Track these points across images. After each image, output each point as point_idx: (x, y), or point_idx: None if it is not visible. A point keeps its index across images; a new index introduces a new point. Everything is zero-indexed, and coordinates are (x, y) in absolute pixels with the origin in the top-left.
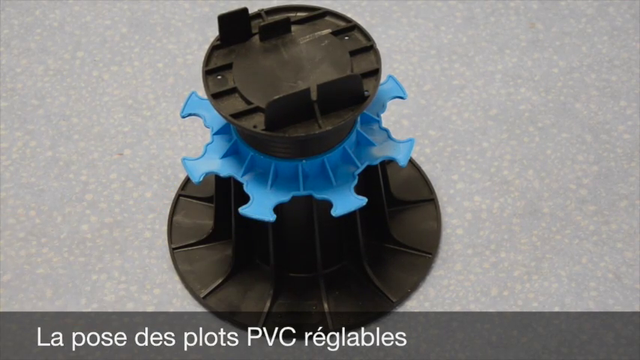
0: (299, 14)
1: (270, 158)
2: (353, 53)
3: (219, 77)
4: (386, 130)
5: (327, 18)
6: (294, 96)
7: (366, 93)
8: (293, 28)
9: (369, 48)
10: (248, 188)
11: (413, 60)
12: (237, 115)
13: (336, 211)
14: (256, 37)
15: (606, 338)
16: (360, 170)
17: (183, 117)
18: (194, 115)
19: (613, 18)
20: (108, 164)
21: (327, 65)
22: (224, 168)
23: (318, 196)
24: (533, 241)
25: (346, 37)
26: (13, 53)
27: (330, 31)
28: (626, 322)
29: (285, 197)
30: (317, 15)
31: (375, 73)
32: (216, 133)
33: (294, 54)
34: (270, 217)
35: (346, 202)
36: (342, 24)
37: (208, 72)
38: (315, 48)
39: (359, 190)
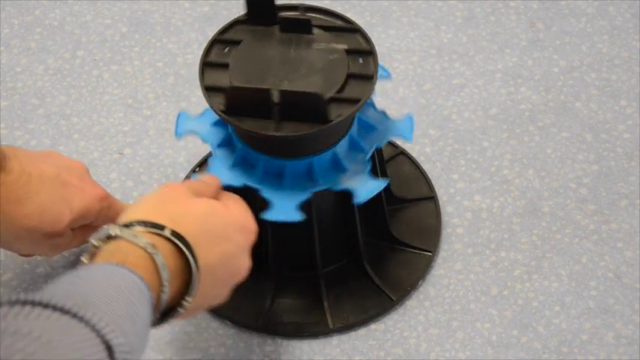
0: (335, 21)
1: (283, 160)
2: (352, 76)
3: (225, 50)
4: (382, 112)
5: (356, 35)
6: (254, 91)
7: (338, 118)
8: (316, 31)
9: (369, 77)
10: (265, 193)
11: (413, 59)
12: (213, 89)
13: (358, 199)
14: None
15: (606, 338)
16: (369, 154)
17: (179, 137)
18: (189, 133)
19: (613, 17)
20: (108, 163)
21: (319, 77)
22: (235, 178)
23: (337, 188)
24: (534, 241)
25: (360, 60)
26: (13, 52)
27: (345, 47)
28: (626, 322)
29: (304, 195)
30: (347, 28)
31: (356, 102)
32: (218, 146)
33: (300, 55)
34: (297, 216)
35: (367, 188)
36: (364, 46)
37: (219, 40)
38: (322, 58)
39: None
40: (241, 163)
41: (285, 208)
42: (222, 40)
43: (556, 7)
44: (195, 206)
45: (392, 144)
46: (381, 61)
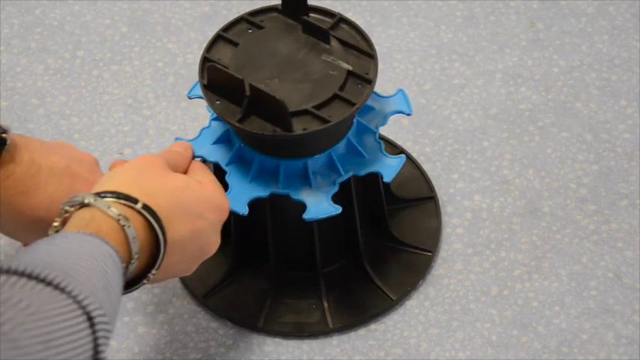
0: (359, 42)
1: (253, 152)
2: (338, 97)
3: (249, 30)
4: (379, 143)
5: (370, 61)
6: (229, 77)
7: (301, 131)
8: (334, 43)
9: (353, 103)
10: (229, 178)
11: (413, 59)
12: (210, 61)
13: (307, 215)
14: None
15: (606, 338)
16: (342, 179)
17: (190, 97)
18: (199, 97)
19: (613, 17)
20: (108, 163)
21: (308, 86)
22: (212, 153)
23: (294, 197)
24: (534, 241)
25: (359, 85)
26: (13, 52)
27: (350, 69)
28: (626, 322)
29: (263, 193)
30: (365, 52)
31: (326, 122)
32: (215, 119)
33: (305, 60)
34: (244, 210)
35: (319, 208)
36: (368, 75)
37: (247, 20)
38: (323, 70)
39: (358, 189)
40: (224, 141)
41: (237, 199)
42: (250, 21)
43: (556, 7)
44: (170, 181)
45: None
46: (406, 92)
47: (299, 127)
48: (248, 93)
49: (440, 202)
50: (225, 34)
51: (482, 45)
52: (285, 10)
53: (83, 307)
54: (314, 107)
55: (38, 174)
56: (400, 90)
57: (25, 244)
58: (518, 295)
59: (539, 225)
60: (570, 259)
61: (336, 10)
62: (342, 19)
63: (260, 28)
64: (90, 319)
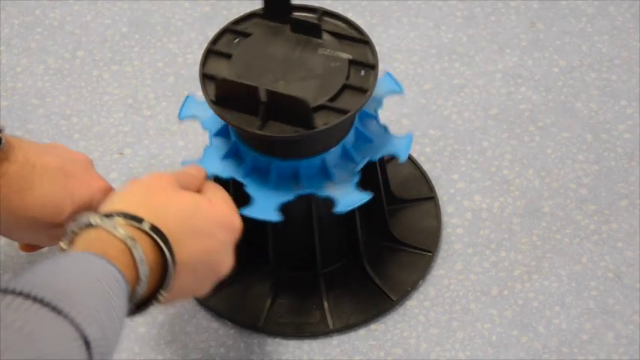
0: (349, 30)
1: (271, 158)
2: (348, 87)
3: (235, 40)
4: (384, 126)
5: (365, 47)
6: (242, 86)
7: (323, 126)
8: (326, 37)
9: (364, 90)
10: (249, 189)
11: (413, 59)
12: (210, 77)
13: (339, 208)
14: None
15: (606, 338)
16: (360, 166)
17: (182, 119)
18: (192, 117)
19: (613, 17)
20: (108, 164)
21: (315, 82)
22: (225, 170)
23: (320, 194)
24: (534, 241)
25: (363, 72)
26: (13, 52)
27: (350, 57)
28: (626, 322)
29: (287, 197)
30: (358, 39)
31: (345, 112)
32: (215, 135)
33: (304, 58)
34: (275, 217)
35: (349, 199)
36: (369, 59)
37: (231, 30)
38: (324, 64)
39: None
40: (233, 155)
41: (265, 207)
42: (234, 30)
43: (556, 7)
44: (178, 200)
45: None
46: (393, 75)
47: (319, 122)
48: (264, 99)
49: (440, 202)
50: (214, 48)
51: (483, 45)
52: (268, 12)
53: (81, 331)
54: (328, 100)
55: (32, 173)
56: (387, 73)
57: (21, 244)
58: (518, 295)
59: (539, 225)
60: (570, 259)
61: (337, 11)
62: (326, 13)
63: (246, 35)
64: (87, 343)
